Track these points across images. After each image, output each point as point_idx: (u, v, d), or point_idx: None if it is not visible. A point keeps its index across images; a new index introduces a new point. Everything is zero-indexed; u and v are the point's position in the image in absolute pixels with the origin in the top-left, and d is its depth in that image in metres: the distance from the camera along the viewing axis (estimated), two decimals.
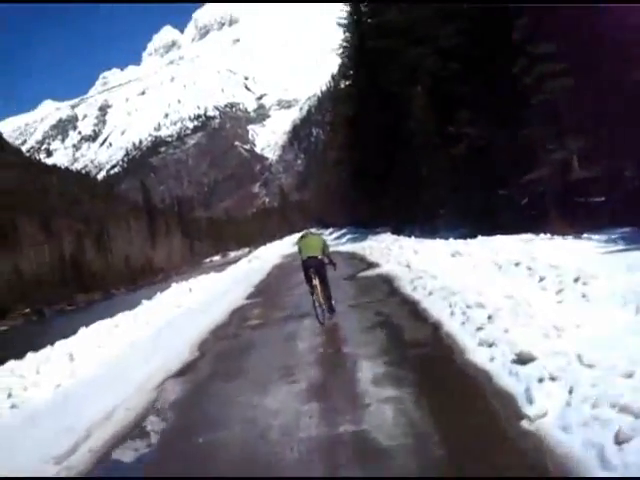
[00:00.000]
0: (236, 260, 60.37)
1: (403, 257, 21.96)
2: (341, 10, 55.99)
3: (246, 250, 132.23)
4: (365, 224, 69.12)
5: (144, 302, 22.85)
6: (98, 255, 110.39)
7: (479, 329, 8.84)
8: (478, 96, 28.38)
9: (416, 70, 39.67)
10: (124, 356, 13.85)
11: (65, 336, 16.45)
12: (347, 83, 62.28)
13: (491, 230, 25.25)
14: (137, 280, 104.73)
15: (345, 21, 55.42)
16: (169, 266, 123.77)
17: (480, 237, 23.58)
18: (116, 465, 7.35)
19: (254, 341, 13.52)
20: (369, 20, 50.98)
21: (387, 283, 18.06)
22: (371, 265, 25.27)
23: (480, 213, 32.12)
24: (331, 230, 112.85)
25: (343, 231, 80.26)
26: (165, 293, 25.60)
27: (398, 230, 44.28)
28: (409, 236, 36.18)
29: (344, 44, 57.64)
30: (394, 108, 44.68)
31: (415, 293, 14.45)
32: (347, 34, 56.21)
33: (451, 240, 25.38)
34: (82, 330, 16.97)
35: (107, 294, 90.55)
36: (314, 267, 14.32)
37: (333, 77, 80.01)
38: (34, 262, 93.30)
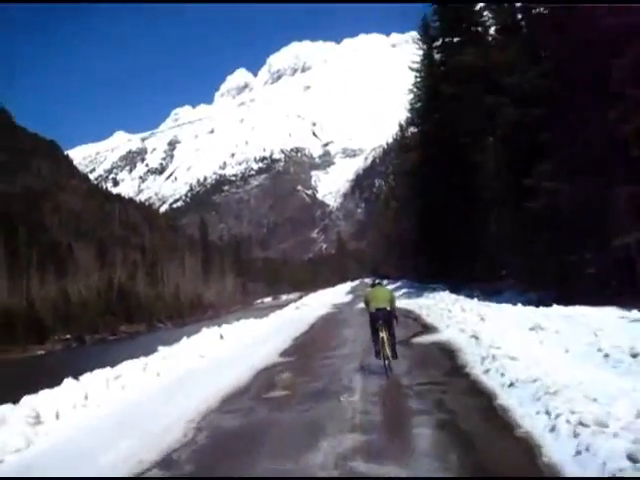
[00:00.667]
0: (286, 304, 56.99)
1: (467, 323, 18.74)
2: (413, 54, 53.25)
3: (297, 295, 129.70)
4: (421, 279, 65.89)
5: (166, 348, 19.93)
6: (149, 287, 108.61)
7: None
8: (562, 146, 25.18)
9: (492, 118, 36.88)
10: (92, 431, 10.83)
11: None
12: (414, 131, 59.53)
13: (564, 299, 22.49)
14: (184, 315, 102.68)
15: (417, 65, 52.48)
16: (219, 304, 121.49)
17: (556, 307, 20.45)
18: None
19: (266, 430, 10.05)
20: (442, 66, 48.06)
21: (448, 356, 14.78)
22: (428, 329, 21.93)
23: (551, 278, 28.94)
24: (385, 282, 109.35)
25: (397, 284, 76.50)
26: (193, 338, 22.68)
27: (456, 289, 40.88)
28: (470, 297, 33.15)
29: (414, 89, 54.80)
30: (463, 159, 41.65)
31: (488, 379, 11.12)
32: (418, 78, 53.27)
33: (520, 307, 22.25)
34: (85, 377, 14.28)
35: (152, 327, 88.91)
36: (382, 319, 14.10)
37: (400, 125, 77.03)
38: (84, 288, 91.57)
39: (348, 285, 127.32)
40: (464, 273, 45.27)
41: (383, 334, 13.83)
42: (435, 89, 47.16)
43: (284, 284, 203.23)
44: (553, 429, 7.13)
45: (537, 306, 21.83)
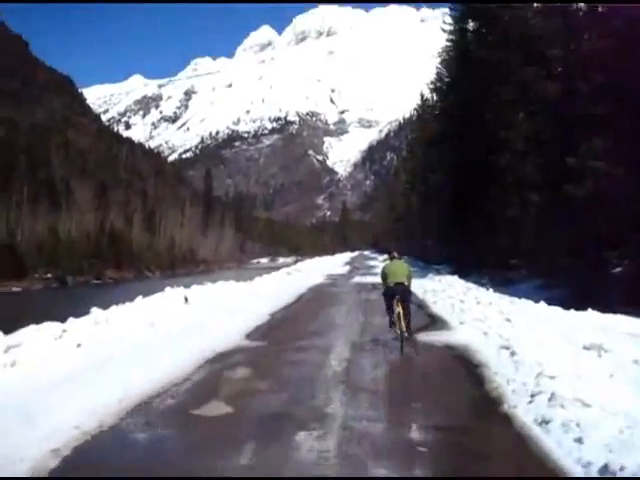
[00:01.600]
0: (281, 267, 53.96)
1: (489, 323, 14.79)
2: (446, 14, 48.80)
3: (295, 259, 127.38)
4: (426, 258, 62.19)
5: (114, 308, 15.89)
6: (144, 234, 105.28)
7: None
8: (616, 121, 21.19)
9: (526, 92, 32.86)
10: None
11: None
12: (437, 99, 55.26)
13: (588, 301, 19.29)
14: (175, 267, 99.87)
15: (450, 26, 47.88)
16: (214, 259, 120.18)
17: (592, 313, 17.17)
18: None
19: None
20: (478, 29, 43.56)
21: (471, 374, 10.48)
22: (436, 322, 17.68)
23: (577, 275, 25.29)
24: (385, 257, 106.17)
25: None
26: (154, 297, 18.68)
27: (463, 273, 37.14)
28: (479, 284, 29.81)
29: (444, 53, 50.49)
30: (487, 135, 37.44)
31: (551, 440, 6.57)
32: (449, 42, 48.79)
33: (545, 306, 18.70)
34: None
35: (140, 275, 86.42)
36: (400, 294, 13.81)
37: (422, 95, 73.02)
38: (75, 228, 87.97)
39: (347, 255, 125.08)
40: (472, 257, 41.61)
41: (399, 309, 13.46)
42: (467, 54, 43.03)
43: (283, 247, 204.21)
44: None
45: (566, 307, 18.06)
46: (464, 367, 11.05)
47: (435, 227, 57.00)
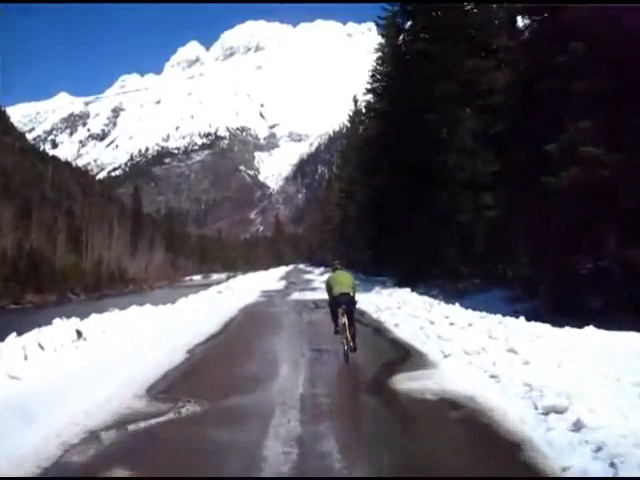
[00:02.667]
0: (215, 283, 50.24)
1: (491, 358, 10.60)
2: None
3: (228, 275, 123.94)
4: (364, 270, 58.58)
5: None
6: (69, 254, 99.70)
7: None
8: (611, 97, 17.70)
9: (471, 85, 29.73)
10: None
11: None
12: (373, 100, 51.61)
13: (569, 313, 17.42)
14: (103, 287, 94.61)
15: (385, 21, 44.33)
16: (144, 278, 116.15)
17: (592, 330, 13.95)
18: None
19: None
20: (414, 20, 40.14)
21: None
22: (410, 354, 13.60)
23: (550, 285, 22.28)
24: (322, 270, 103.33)
25: None
26: (39, 332, 13.91)
27: (408, 285, 33.38)
28: (428, 296, 26.75)
29: (379, 48, 47.12)
30: (428, 134, 33.72)
31: None
32: (384, 38, 45.59)
33: (526, 322, 15.41)
34: None
35: (64, 298, 79.83)
36: (345, 304, 13.82)
37: (355, 100, 70.50)
38: None
39: (282, 270, 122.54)
40: (417, 267, 38.01)
41: (344, 319, 13.54)
42: (404, 49, 39.83)
43: (217, 263, 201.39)
44: None
45: (545, 320, 15.66)
46: (494, 452, 6.59)
47: (374, 237, 53.50)
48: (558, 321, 15.08)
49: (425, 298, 25.54)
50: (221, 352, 16.32)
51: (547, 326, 14.53)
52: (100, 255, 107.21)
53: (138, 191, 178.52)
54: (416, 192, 35.89)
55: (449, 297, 26.61)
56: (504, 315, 16.73)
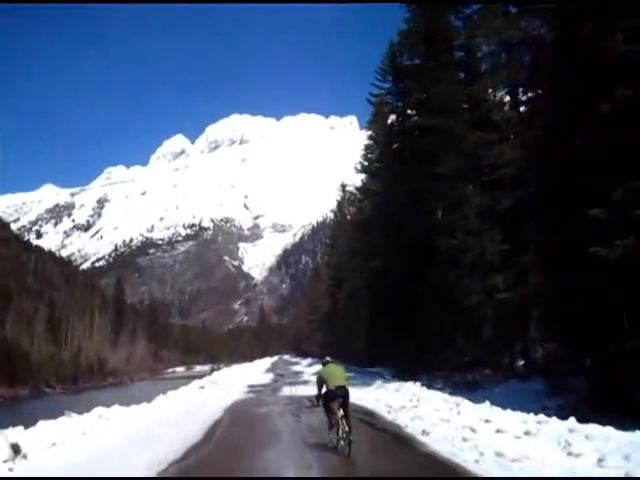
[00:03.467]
0: (199, 376, 48.23)
1: None
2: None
3: (211, 367, 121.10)
4: (357, 362, 56.76)
5: None
6: (47, 345, 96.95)
7: None
8: None
9: (475, 158, 28.91)
10: None
11: None
12: (366, 181, 50.74)
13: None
14: (79, 380, 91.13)
15: (377, 98, 44.24)
16: (125, 370, 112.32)
17: None
18: None
19: None
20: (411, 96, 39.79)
21: None
22: None
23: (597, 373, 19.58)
24: (310, 361, 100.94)
25: None
26: None
27: (408, 376, 31.70)
28: (435, 389, 24.93)
29: (369, 127, 46.85)
30: (431, 213, 33.01)
31: None
32: (378, 123, 45.19)
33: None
34: None
35: (38, 391, 76.31)
36: (342, 397, 13.72)
37: (343, 186, 70.12)
38: None
39: (268, 361, 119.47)
40: (416, 356, 36.26)
41: (341, 412, 13.42)
42: (397, 128, 39.13)
43: (200, 354, 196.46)
44: None
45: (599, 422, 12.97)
46: None
47: (365, 326, 51.92)
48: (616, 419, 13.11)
49: (441, 394, 22.97)
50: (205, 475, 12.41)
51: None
52: (79, 346, 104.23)
53: (121, 281, 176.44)
54: (419, 274, 34.35)
55: (458, 391, 24.72)
56: (536, 413, 14.70)
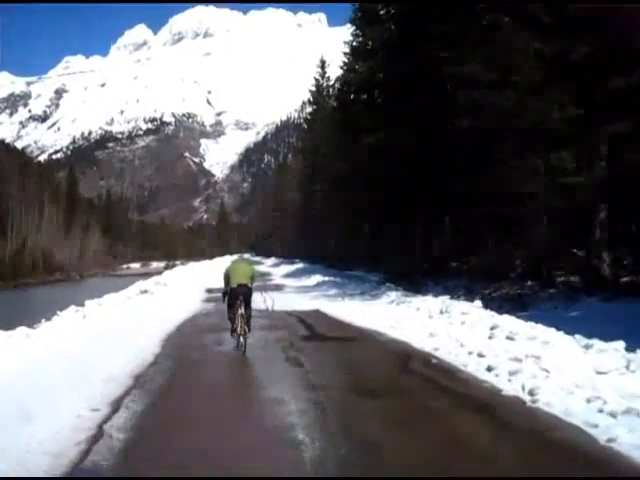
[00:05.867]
0: (156, 272, 43.72)
1: None
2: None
3: (168, 263, 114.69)
4: (331, 262, 49.38)
5: None
6: None
7: None
8: None
9: None
10: None
11: None
12: (358, 41, 39.60)
13: None
14: (22, 276, 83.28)
15: None
16: (74, 266, 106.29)
17: None
18: None
19: None
20: None
21: None
22: None
23: None
24: (275, 261, 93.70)
25: (298, 266, 58.37)
26: None
27: (412, 285, 23.66)
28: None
29: None
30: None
31: None
32: None
33: None
34: None
35: None
36: (243, 295, 13.44)
37: (322, 62, 61.25)
38: None
39: (228, 259, 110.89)
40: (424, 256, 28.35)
41: (242, 310, 13.12)
42: None
43: (158, 251, 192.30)
44: None
45: None
46: None
47: (349, 220, 43.95)
48: None
49: (504, 317, 13.81)
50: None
51: None
52: (25, 240, 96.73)
53: (73, 171, 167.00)
54: (438, 150, 25.77)
55: (497, 308, 16.66)
56: None
